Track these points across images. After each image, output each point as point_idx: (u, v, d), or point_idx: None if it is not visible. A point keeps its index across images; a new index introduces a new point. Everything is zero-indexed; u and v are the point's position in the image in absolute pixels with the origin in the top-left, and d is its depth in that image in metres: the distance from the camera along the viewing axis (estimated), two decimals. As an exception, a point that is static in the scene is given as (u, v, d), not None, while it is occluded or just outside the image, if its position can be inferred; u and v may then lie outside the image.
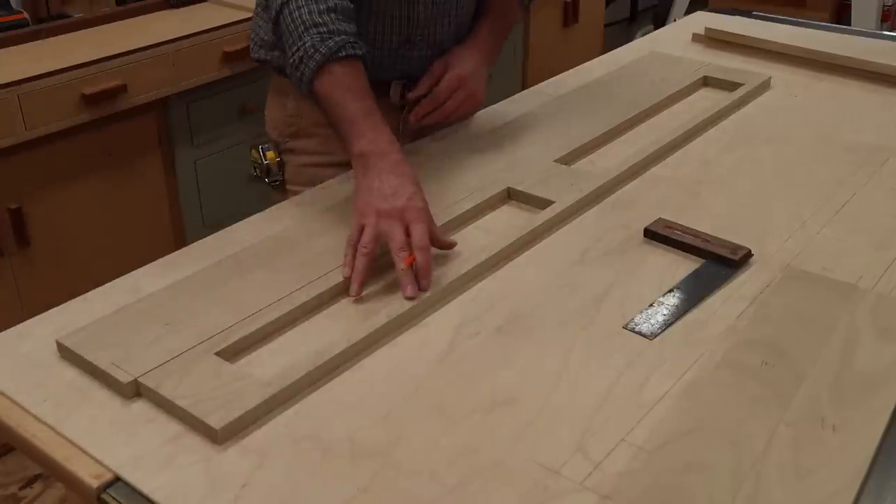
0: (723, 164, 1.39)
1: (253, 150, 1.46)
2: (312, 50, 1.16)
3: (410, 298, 1.02)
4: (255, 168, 1.46)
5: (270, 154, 1.44)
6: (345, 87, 1.16)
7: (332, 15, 1.18)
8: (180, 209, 2.34)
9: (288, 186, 1.46)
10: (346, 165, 1.38)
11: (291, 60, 1.19)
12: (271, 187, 1.48)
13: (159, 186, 2.28)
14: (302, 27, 1.17)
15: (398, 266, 1.03)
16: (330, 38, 1.16)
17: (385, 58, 1.39)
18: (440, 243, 1.11)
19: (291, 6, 1.19)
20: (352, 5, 1.23)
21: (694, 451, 0.83)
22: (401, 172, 1.11)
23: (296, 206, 1.27)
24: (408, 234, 1.05)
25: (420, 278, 1.04)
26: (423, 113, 1.39)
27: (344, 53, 1.16)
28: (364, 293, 1.07)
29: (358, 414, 0.89)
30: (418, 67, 1.41)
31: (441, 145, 1.43)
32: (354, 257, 1.05)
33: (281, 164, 1.45)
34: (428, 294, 1.04)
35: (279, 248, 1.15)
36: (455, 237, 1.19)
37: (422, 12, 1.36)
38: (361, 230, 1.07)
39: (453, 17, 1.41)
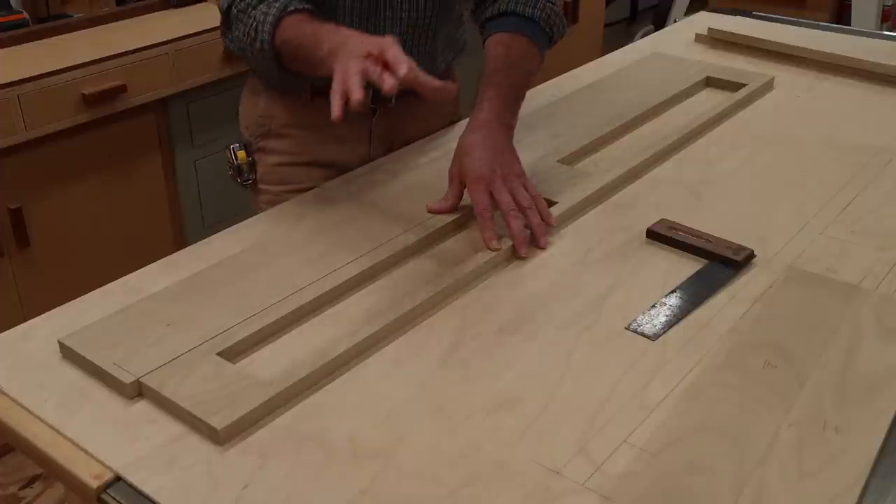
0: (726, 165, 1.39)
1: (226, 151, 1.46)
2: (263, 16, 1.19)
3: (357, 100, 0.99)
4: (229, 168, 1.46)
5: (241, 154, 1.44)
6: (297, 27, 1.18)
7: None
8: (180, 209, 2.34)
9: (260, 186, 1.46)
10: (317, 165, 1.39)
11: (248, 39, 1.22)
12: (243, 187, 1.48)
13: (159, 186, 2.28)
14: (250, 8, 1.21)
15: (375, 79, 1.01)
16: (275, 2, 1.19)
17: None
18: (428, 84, 1.05)
19: (236, 2, 1.23)
20: None
21: (696, 453, 0.83)
22: (361, 35, 1.09)
23: (298, 206, 1.27)
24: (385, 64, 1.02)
25: (390, 74, 1.00)
26: (489, 237, 1.14)
27: (292, 8, 1.18)
28: (365, 293, 1.07)
29: (359, 415, 0.88)
30: None
31: (442, 144, 1.43)
32: (340, 93, 1.01)
33: (252, 164, 1.45)
34: (430, 295, 1.04)
35: (281, 248, 1.15)
36: (457, 238, 1.19)
37: (390, 34, 1.35)
38: (342, 78, 1.02)
39: (425, 42, 1.40)
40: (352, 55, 1.05)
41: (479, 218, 1.15)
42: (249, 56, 1.26)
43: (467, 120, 1.25)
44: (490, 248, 1.12)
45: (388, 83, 0.99)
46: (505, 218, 1.15)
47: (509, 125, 1.24)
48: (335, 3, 1.30)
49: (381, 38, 1.06)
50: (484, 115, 1.22)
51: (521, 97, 1.28)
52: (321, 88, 1.40)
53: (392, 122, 1.43)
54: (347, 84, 1.00)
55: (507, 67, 1.26)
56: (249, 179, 1.46)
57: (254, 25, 1.20)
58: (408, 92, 1.44)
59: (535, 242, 1.15)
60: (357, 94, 0.99)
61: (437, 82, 1.05)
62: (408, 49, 1.37)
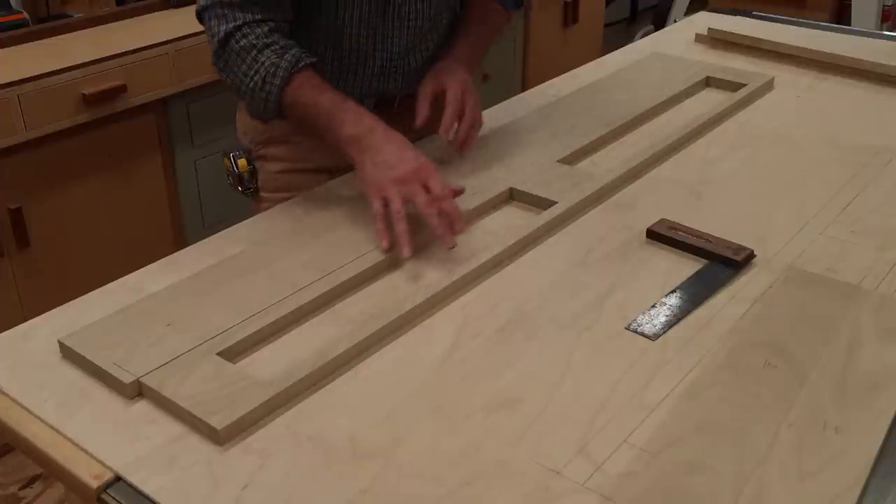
0: (726, 165, 1.39)
1: (225, 159, 1.43)
2: (274, 67, 1.19)
3: (452, 248, 1.09)
4: (228, 177, 1.44)
5: (242, 162, 1.42)
6: (311, 88, 1.20)
7: (277, 35, 1.22)
8: (180, 209, 2.34)
9: (262, 194, 1.44)
10: (319, 171, 1.38)
11: (252, 84, 1.20)
12: (244, 196, 1.46)
13: (159, 187, 2.28)
14: (255, 50, 1.20)
15: (431, 222, 1.09)
16: (287, 51, 1.20)
17: (360, 86, 1.39)
18: (454, 192, 1.16)
19: (237, 35, 1.20)
20: (287, 26, 1.26)
21: (696, 453, 0.83)
22: (395, 140, 1.16)
23: (298, 206, 1.27)
24: (427, 190, 1.11)
25: (454, 223, 1.10)
26: (450, 127, 1.30)
27: (302, 64, 1.20)
28: (365, 293, 1.07)
29: (359, 415, 0.88)
30: (393, 91, 1.41)
31: (442, 145, 1.42)
32: (386, 229, 1.11)
33: (253, 172, 1.43)
34: (430, 295, 1.04)
35: (281, 248, 1.15)
36: (457, 238, 1.19)
37: (398, 45, 1.36)
38: (384, 203, 1.11)
39: (428, 47, 1.41)
40: (387, 181, 1.12)
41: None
42: (245, 95, 1.23)
43: None
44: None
45: (449, 243, 1.09)
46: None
47: (472, 71, 1.40)
48: (344, 12, 1.30)
49: (418, 160, 1.14)
50: (459, 54, 1.39)
51: (484, 49, 1.46)
52: None
53: (394, 123, 1.43)
54: (396, 233, 1.09)
55: (480, 20, 1.44)
56: (251, 188, 1.44)
57: (262, 74, 1.19)
58: (410, 94, 1.45)
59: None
60: (406, 253, 1.08)
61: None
62: (412, 53, 1.39)
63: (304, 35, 1.32)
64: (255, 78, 1.20)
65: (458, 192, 1.18)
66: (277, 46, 1.20)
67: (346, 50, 1.34)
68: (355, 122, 1.17)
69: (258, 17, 1.21)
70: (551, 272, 1.11)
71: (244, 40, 1.20)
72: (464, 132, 1.32)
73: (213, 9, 1.22)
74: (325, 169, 1.38)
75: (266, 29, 1.21)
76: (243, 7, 1.21)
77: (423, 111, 1.32)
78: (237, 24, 1.20)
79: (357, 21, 1.31)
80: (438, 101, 1.33)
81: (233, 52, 1.21)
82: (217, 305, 1.02)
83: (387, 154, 1.14)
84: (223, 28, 1.21)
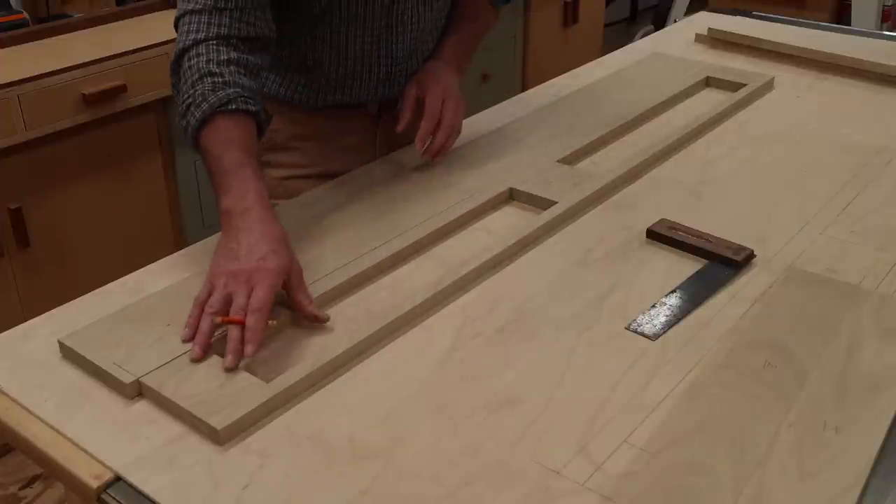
0: (726, 165, 1.39)
1: None
2: (201, 99, 1.08)
3: (229, 369, 0.91)
4: None
5: None
6: (224, 139, 1.09)
7: (232, 67, 1.12)
8: (180, 210, 2.34)
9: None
10: (325, 177, 1.38)
11: (180, 108, 1.11)
12: None
13: (159, 187, 2.28)
14: (197, 75, 1.10)
15: (229, 333, 0.94)
16: (222, 89, 1.09)
17: (365, 92, 1.39)
18: (303, 311, 1.01)
19: (192, 52, 1.12)
20: (259, 62, 1.17)
21: (696, 453, 0.83)
22: (261, 231, 1.02)
23: (298, 207, 1.27)
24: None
25: (245, 342, 0.93)
26: (425, 137, 1.31)
27: (234, 107, 1.09)
28: (365, 293, 1.07)
29: (359, 415, 0.88)
30: (396, 95, 1.41)
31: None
32: (199, 318, 0.96)
33: None
34: (430, 295, 1.04)
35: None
36: (456, 238, 1.19)
37: (401, 50, 1.36)
38: (209, 292, 0.98)
39: (428, 48, 1.42)
40: (222, 271, 0.99)
41: (427, 119, 1.28)
42: (178, 121, 1.14)
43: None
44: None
45: (228, 364, 0.92)
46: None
47: (461, 69, 1.43)
48: (347, 17, 1.29)
49: (264, 260, 0.98)
50: (447, 53, 1.40)
51: (474, 46, 1.48)
52: (320, 106, 1.41)
53: (396, 126, 1.44)
54: (199, 329, 0.95)
55: (471, 18, 1.45)
56: None
57: (188, 101, 1.10)
58: None
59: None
60: (196, 354, 0.93)
61: (313, 312, 1.01)
62: (415, 56, 1.39)
63: (307, 43, 1.32)
64: (184, 103, 1.10)
65: (311, 316, 1.01)
66: (220, 80, 1.09)
67: (351, 58, 1.34)
68: (237, 196, 1.05)
69: (223, 31, 1.13)
70: (551, 272, 1.11)
71: (195, 59, 1.11)
72: (438, 142, 1.32)
73: (183, 17, 1.15)
74: (331, 174, 1.37)
75: (223, 57, 1.11)
76: (210, 15, 1.13)
77: (404, 117, 1.33)
78: (197, 38, 1.12)
79: (362, 28, 1.31)
80: (421, 106, 1.32)
81: (183, 69, 1.13)
82: (217, 305, 1.02)
83: (241, 242, 1.00)
84: (183, 40, 1.14)
